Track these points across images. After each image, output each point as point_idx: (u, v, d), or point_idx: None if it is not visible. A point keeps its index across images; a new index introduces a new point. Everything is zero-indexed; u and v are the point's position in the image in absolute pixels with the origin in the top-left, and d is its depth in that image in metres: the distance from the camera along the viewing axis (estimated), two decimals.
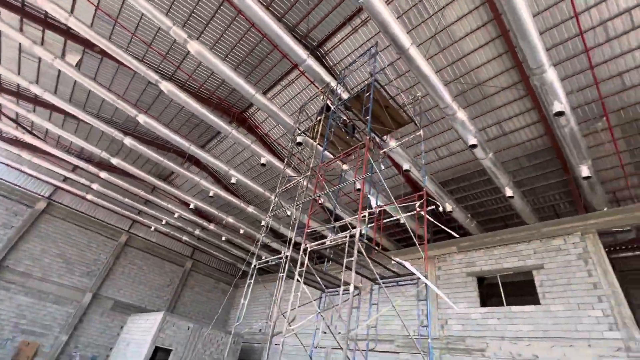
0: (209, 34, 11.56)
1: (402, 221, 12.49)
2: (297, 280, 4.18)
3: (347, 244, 3.89)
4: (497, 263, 11.23)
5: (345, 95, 7.32)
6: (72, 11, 10.94)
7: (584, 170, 8.59)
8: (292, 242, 5.31)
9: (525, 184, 12.47)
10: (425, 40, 10.09)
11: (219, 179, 19.56)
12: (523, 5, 5.64)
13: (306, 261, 4.18)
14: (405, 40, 6.47)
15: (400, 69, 10.93)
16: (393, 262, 4.28)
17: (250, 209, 14.60)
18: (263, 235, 6.93)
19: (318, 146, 6.10)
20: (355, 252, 3.55)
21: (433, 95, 7.38)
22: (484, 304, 12.40)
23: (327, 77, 7.40)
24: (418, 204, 5.53)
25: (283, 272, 4.67)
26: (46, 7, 8.40)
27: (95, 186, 15.22)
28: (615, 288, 8.64)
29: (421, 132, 6.62)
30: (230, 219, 16.07)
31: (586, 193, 10.09)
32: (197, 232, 18.61)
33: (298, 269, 4.17)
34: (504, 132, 11.32)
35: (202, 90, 13.82)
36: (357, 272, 4.70)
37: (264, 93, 13.33)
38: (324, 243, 4.26)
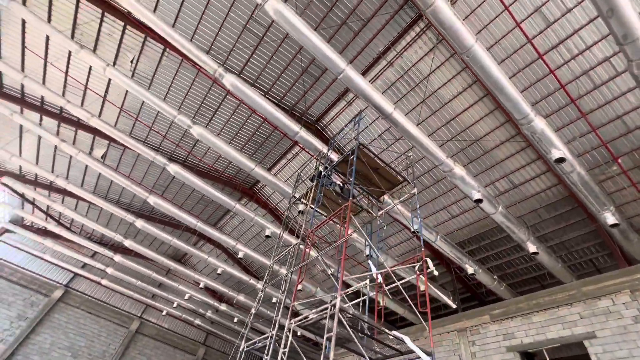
0: (216, 122, 12.74)
1: (421, 288, 11.44)
2: None
3: (328, 318, 3.44)
4: (539, 333, 9.68)
5: (342, 165, 7.47)
6: (99, 114, 12.55)
7: (609, 218, 7.86)
8: (284, 316, 4.81)
9: (552, 237, 11.47)
10: (416, 106, 10.61)
11: (232, 254, 19.33)
12: (492, 65, 5.93)
13: (289, 341, 3.66)
14: (387, 106, 6.80)
15: (396, 134, 11.31)
16: (393, 337, 3.70)
17: (260, 285, 13.96)
18: (255, 310, 6.38)
19: (313, 210, 6.03)
20: (335, 324, 3.11)
21: (426, 155, 7.41)
22: None
23: (320, 146, 7.72)
24: (418, 265, 5.05)
25: (267, 355, 4.08)
26: (76, 112, 9.66)
27: (110, 270, 15.31)
28: None
29: (415, 190, 6.45)
30: (241, 297, 15.32)
31: (622, 243, 9.05)
32: (208, 313, 17.68)
33: (281, 350, 3.64)
34: (515, 185, 10.89)
35: (212, 171, 14.64)
36: (349, 349, 4.06)
37: (269, 169, 13.92)
38: (308, 319, 3.79)
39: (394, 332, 3.78)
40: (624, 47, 5.40)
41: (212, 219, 17.43)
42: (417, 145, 7.19)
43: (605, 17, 5.18)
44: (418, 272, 5.30)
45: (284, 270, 11.63)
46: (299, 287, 12.48)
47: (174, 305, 17.51)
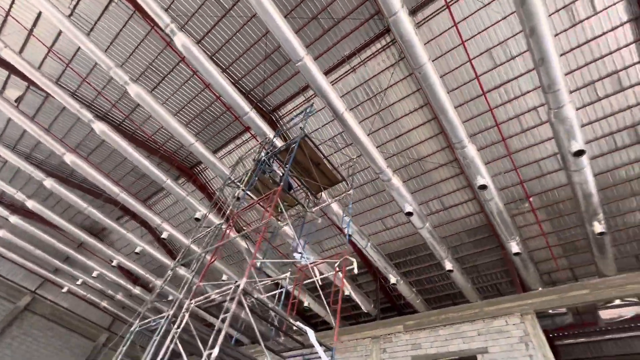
0: (164, 89, 11.76)
1: (347, 293, 11.67)
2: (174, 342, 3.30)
3: (229, 301, 3.23)
4: (442, 345, 10.43)
5: (284, 154, 7.30)
6: (20, 50, 10.82)
7: (514, 247, 8.80)
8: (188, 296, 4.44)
9: (468, 260, 12.55)
10: (370, 116, 10.91)
11: (159, 236, 17.91)
12: (440, 87, 6.31)
13: (184, 322, 3.36)
14: (339, 105, 6.85)
15: (347, 139, 11.51)
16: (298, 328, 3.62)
17: (183, 270, 13.09)
18: (160, 288, 5.87)
19: (244, 193, 5.77)
20: (234, 305, 2.91)
21: (368, 161, 7.60)
22: None
23: (269, 132, 7.51)
24: (337, 262, 5.10)
25: (157, 335, 3.71)
26: None
27: (1, 232, 13.13)
28: None
29: (352, 192, 6.57)
30: (159, 282, 14.19)
31: (521, 272, 10.22)
32: (119, 296, 16.07)
33: (174, 330, 3.32)
34: (445, 207, 11.73)
35: (150, 142, 13.47)
36: (254, 340, 3.92)
37: (215, 151, 13.21)
38: (212, 299, 3.55)
39: (299, 323, 3.70)
40: (547, 95, 6.12)
41: (142, 194, 15.99)
42: (362, 150, 7.35)
43: (537, 65, 5.83)
44: (337, 269, 5.33)
45: (208, 256, 11.03)
46: (211, 269, 11.93)
47: (78, 282, 15.59)
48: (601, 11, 7.91)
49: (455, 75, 9.56)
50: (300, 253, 5.50)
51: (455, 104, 9.83)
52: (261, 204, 5.41)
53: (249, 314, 3.09)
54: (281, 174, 6.79)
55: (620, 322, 11.53)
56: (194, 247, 11.43)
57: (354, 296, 12.35)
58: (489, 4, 8.38)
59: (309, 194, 6.79)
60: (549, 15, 8.01)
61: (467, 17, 8.71)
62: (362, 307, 12.90)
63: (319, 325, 17.20)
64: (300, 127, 5.93)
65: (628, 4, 7.67)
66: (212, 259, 3.95)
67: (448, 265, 9.63)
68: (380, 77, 10.31)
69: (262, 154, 6.48)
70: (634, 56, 8.17)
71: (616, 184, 9.65)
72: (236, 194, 7.51)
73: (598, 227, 7.76)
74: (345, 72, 10.56)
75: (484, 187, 7.33)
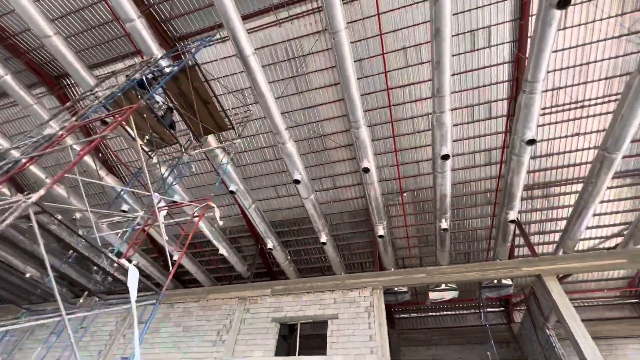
0: None
1: (221, 252, 11.23)
2: None
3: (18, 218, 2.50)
4: (301, 310, 11.13)
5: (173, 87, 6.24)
6: None
7: (380, 230, 9.82)
8: None
9: (343, 238, 13.62)
10: (285, 78, 10.43)
11: None
12: (349, 59, 6.29)
13: None
14: (248, 48, 6.20)
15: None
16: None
17: None
18: None
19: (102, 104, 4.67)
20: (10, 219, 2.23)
21: (267, 117, 7.21)
22: (287, 353, 11.96)
23: (158, 51, 6.31)
24: (198, 208, 4.67)
25: None
26: None
27: None
28: (384, 341, 9.56)
29: (238, 141, 6.12)
30: None
31: (382, 254, 11.57)
32: None
33: None
34: (335, 186, 12.32)
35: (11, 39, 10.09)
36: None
37: (92, 67, 10.73)
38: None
39: (117, 259, 3.17)
40: (435, 98, 6.76)
41: None
42: (262, 104, 6.89)
43: (434, 68, 6.33)
44: (199, 214, 4.90)
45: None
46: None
47: None
48: (494, 46, 9.15)
49: (367, 64, 9.80)
50: (161, 193, 4.84)
51: (361, 92, 10.09)
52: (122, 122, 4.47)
53: (38, 236, 2.42)
54: (162, 103, 5.82)
55: (441, 302, 14.41)
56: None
57: (228, 256, 12.07)
58: (414, 4, 8.77)
59: (191, 134, 6.03)
60: (453, 37, 8.87)
61: (392, 11, 8.94)
62: (236, 269, 12.76)
63: (187, 283, 16.47)
64: (191, 52, 5.10)
65: (511, 47, 9.07)
66: (25, 165, 2.99)
67: (323, 238, 10.20)
68: (304, 41, 9.87)
69: (141, 73, 5.37)
70: (505, 92, 9.80)
71: (466, 194, 11.69)
72: (92, 103, 6.14)
73: (444, 224, 9.24)
74: (269, 23, 9.74)
75: (367, 169, 7.82)
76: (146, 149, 5.99)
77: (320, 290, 11.36)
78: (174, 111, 6.66)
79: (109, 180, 8.86)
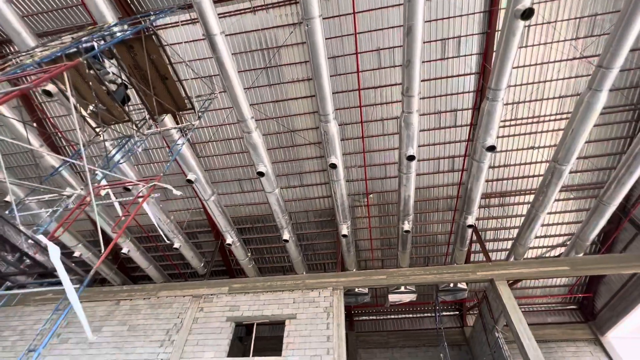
0: None
1: (176, 245, 10.51)
2: None
3: None
4: (259, 309, 10.68)
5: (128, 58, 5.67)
6: None
7: (344, 229, 9.71)
8: None
9: (307, 238, 13.38)
10: (256, 68, 10.06)
11: None
12: (322, 49, 6.12)
13: None
14: (215, 26, 5.81)
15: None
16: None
17: None
18: None
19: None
20: None
21: (232, 102, 6.83)
22: (243, 354, 11.40)
23: (114, 19, 5.71)
24: (143, 188, 4.20)
25: None
26: None
27: None
28: (342, 342, 9.40)
29: (197, 122, 5.70)
30: None
31: (344, 254, 11.47)
32: None
33: None
34: (302, 184, 12.07)
35: None
36: None
37: (41, 35, 9.70)
38: None
39: (37, 236, 2.70)
40: (404, 98, 6.77)
41: None
42: (228, 88, 6.51)
43: (404, 66, 6.33)
44: (144, 195, 4.42)
45: None
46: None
47: None
48: (463, 56, 9.45)
49: (341, 62, 9.74)
50: (101, 171, 4.30)
51: (333, 90, 9.96)
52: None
53: None
54: (113, 74, 5.27)
55: (399, 305, 14.59)
56: None
57: (184, 251, 11.37)
58: (391, 6, 8.83)
59: (146, 112, 5.50)
60: (425, 43, 9.06)
61: (369, 11, 8.95)
62: (192, 264, 12.04)
63: (139, 280, 15.37)
64: (149, 18, 4.63)
65: (478, 59, 9.43)
66: None
67: (286, 235, 9.89)
68: (279, 32, 9.60)
69: (91, 37, 4.80)
70: (470, 102, 10.15)
71: (428, 199, 11.95)
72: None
73: (406, 225, 9.32)
74: (243, 9, 9.37)
75: (334, 165, 7.68)
76: (92, 123, 5.37)
77: (279, 290, 11.00)
78: (129, 86, 6.09)
79: (44, 153, 7.90)
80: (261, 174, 7.86)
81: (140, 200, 4.22)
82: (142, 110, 7.19)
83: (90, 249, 11.53)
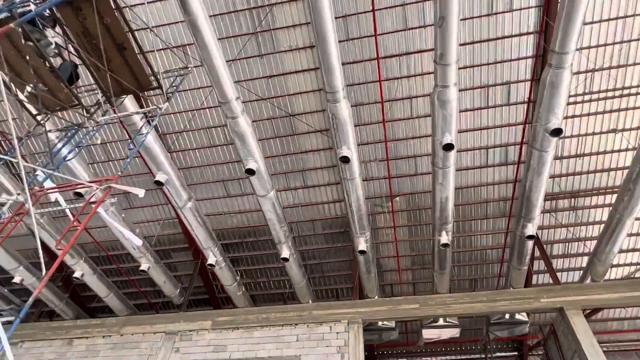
0: None
1: (144, 267, 10.67)
2: None
3: None
4: (251, 349, 10.74)
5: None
6: None
7: (361, 243, 9.69)
8: None
9: (314, 256, 13.41)
10: (244, 34, 10.10)
11: None
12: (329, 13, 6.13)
13: None
14: None
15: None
16: None
17: None
18: None
19: None
20: None
21: (211, 78, 6.88)
22: None
23: None
24: (97, 191, 4.23)
25: None
26: None
27: None
28: None
29: (167, 104, 5.75)
30: None
31: (363, 276, 11.44)
32: None
33: None
34: (306, 185, 12.10)
35: None
36: None
37: None
38: None
39: None
40: (437, 67, 6.72)
41: None
42: (205, 58, 6.56)
43: (436, 26, 6.28)
44: (98, 197, 4.46)
45: None
46: None
47: None
48: (517, 10, 9.29)
49: (354, 23, 9.68)
50: (43, 170, 4.34)
51: (343, 60, 9.85)
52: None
53: None
54: (56, 45, 5.36)
55: (437, 343, 14.47)
56: None
57: (154, 274, 11.52)
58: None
59: (100, 93, 5.54)
60: None
61: None
62: (164, 292, 12.20)
63: (98, 312, 15.65)
64: None
65: (538, 13, 9.26)
66: None
67: (285, 252, 9.95)
68: None
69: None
70: (528, 72, 9.99)
71: (474, 203, 11.83)
72: None
73: (444, 237, 9.24)
74: None
75: (346, 159, 7.67)
76: (31, 109, 5.45)
77: (279, 324, 11.05)
78: (77, 62, 6.19)
79: None
80: (251, 172, 7.90)
81: (92, 206, 4.27)
82: (95, 92, 7.31)
83: (34, 273, 11.77)
